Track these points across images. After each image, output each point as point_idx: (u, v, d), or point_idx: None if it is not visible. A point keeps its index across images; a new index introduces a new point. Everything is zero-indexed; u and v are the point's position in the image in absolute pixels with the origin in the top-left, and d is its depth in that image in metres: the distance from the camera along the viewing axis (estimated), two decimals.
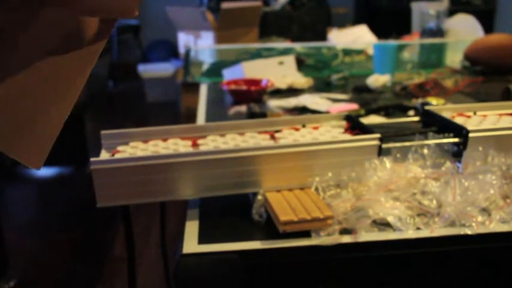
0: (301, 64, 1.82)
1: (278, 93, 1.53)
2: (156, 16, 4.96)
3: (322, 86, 1.61)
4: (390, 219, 0.72)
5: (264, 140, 0.86)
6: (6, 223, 2.09)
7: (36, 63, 0.48)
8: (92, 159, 0.73)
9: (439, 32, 2.26)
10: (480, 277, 0.76)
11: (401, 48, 2.09)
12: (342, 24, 3.15)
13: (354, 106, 1.33)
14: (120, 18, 0.47)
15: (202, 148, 0.83)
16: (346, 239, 0.69)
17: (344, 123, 0.94)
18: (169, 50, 5.01)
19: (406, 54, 2.13)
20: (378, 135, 0.81)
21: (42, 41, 0.48)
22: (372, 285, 0.75)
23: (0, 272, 1.87)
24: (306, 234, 0.70)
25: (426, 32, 2.30)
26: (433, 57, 2.04)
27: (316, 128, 0.92)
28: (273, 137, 0.88)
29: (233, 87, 1.47)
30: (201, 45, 2.35)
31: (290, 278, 0.73)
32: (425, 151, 0.83)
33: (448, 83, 1.52)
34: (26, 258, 2.10)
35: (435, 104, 1.28)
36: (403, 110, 1.28)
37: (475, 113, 0.99)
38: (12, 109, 0.48)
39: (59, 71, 0.49)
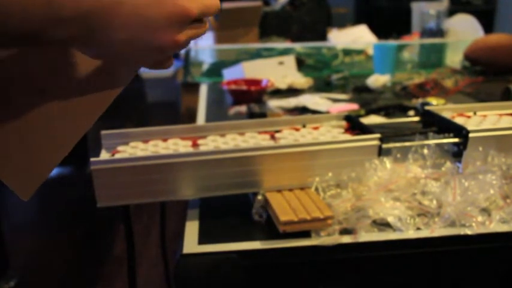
0: (301, 64, 1.82)
1: (278, 93, 1.53)
2: None
3: (322, 86, 1.61)
4: (390, 219, 0.72)
5: (264, 140, 0.86)
6: (6, 223, 2.09)
7: (50, 103, 0.49)
8: (92, 159, 0.73)
9: (439, 32, 2.26)
10: (480, 277, 0.76)
11: (401, 48, 2.09)
12: (342, 24, 3.14)
13: (354, 106, 1.33)
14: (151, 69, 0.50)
15: (203, 148, 0.83)
16: (346, 239, 0.69)
17: (344, 123, 0.94)
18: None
19: (406, 54, 2.13)
20: (378, 135, 0.81)
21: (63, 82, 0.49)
22: (372, 285, 0.75)
23: (0, 272, 1.86)
24: (306, 234, 0.70)
25: (426, 32, 2.29)
26: (433, 57, 2.04)
27: (316, 128, 0.92)
28: (273, 137, 0.88)
29: (233, 87, 1.47)
30: (201, 45, 2.35)
31: (290, 278, 0.73)
32: (426, 151, 0.83)
33: (448, 83, 1.52)
34: (26, 258, 2.10)
35: (435, 104, 1.28)
36: (403, 110, 1.28)
37: (475, 113, 0.99)
38: (15, 140, 0.48)
39: (66, 113, 0.50)
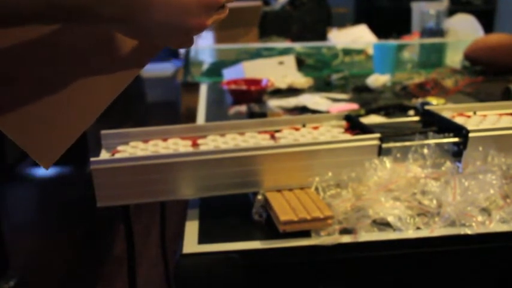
0: (301, 64, 1.82)
1: (278, 93, 1.53)
2: None
3: (322, 86, 1.61)
4: (390, 219, 0.72)
5: (264, 139, 0.86)
6: (6, 223, 2.09)
7: (77, 73, 0.50)
8: (92, 159, 0.73)
9: (439, 32, 2.26)
10: (480, 277, 0.76)
11: (401, 48, 2.09)
12: (342, 24, 3.14)
13: (354, 106, 1.33)
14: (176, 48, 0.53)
15: (202, 148, 0.83)
16: (346, 239, 0.69)
17: (344, 123, 0.94)
18: (169, 50, 5.01)
19: (406, 54, 2.13)
20: (378, 135, 0.81)
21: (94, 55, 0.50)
22: (371, 285, 0.75)
23: (0, 272, 1.86)
24: (306, 234, 0.70)
25: (426, 32, 2.29)
26: (433, 57, 2.04)
27: (316, 127, 0.92)
28: (273, 137, 0.88)
29: (233, 87, 1.47)
30: (201, 45, 2.35)
31: (290, 278, 0.72)
32: (425, 151, 0.83)
33: (448, 83, 1.52)
34: (26, 258, 2.10)
35: (435, 103, 1.28)
36: (403, 110, 1.28)
37: (475, 113, 0.99)
38: (37, 108, 0.49)
39: (93, 84, 0.51)
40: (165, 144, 0.84)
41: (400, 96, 1.45)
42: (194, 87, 1.82)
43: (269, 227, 0.72)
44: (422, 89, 1.46)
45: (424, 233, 0.70)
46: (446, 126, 0.89)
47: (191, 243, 0.70)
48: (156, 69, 4.45)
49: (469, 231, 0.70)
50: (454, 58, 1.97)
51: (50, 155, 0.52)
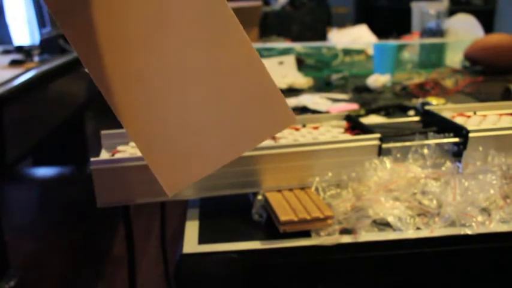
0: (301, 64, 1.82)
1: None
2: None
3: (322, 86, 1.61)
4: (390, 219, 0.72)
5: None
6: (6, 223, 2.08)
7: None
8: (92, 159, 0.73)
9: (439, 32, 2.26)
10: (480, 277, 0.76)
11: (401, 48, 2.09)
12: (342, 24, 3.14)
13: (354, 106, 1.33)
14: None
15: None
16: (346, 239, 0.69)
17: (344, 123, 0.94)
18: None
19: (406, 54, 2.13)
20: (378, 135, 0.81)
21: None
22: (371, 285, 0.75)
23: (0, 272, 1.86)
24: (306, 234, 0.70)
25: (426, 32, 2.29)
26: (433, 57, 2.04)
27: (316, 128, 0.92)
28: (273, 137, 0.88)
29: None
30: None
31: (290, 278, 0.72)
32: (426, 151, 0.83)
33: (448, 83, 1.52)
34: (26, 258, 2.10)
35: (435, 104, 1.28)
36: (403, 110, 1.28)
37: (475, 113, 0.99)
38: (181, 139, 0.46)
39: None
40: None
41: (400, 96, 1.45)
42: None
43: (269, 227, 0.72)
44: (422, 89, 1.46)
45: (424, 233, 0.70)
46: (446, 126, 0.89)
47: (191, 243, 0.70)
48: None
49: (469, 231, 0.70)
50: (454, 58, 1.97)
51: (178, 182, 0.48)
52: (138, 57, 0.43)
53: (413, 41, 2.29)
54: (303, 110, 1.33)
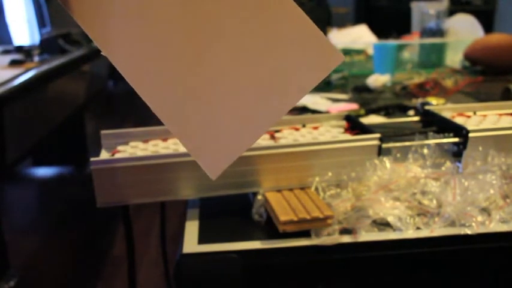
0: None
1: None
2: None
3: (322, 86, 1.61)
4: (390, 219, 0.72)
5: (263, 139, 0.86)
6: (6, 223, 2.08)
7: None
8: (92, 159, 0.73)
9: (439, 32, 2.26)
10: (480, 277, 0.76)
11: (401, 48, 2.09)
12: (342, 24, 3.14)
13: (354, 106, 1.33)
14: None
15: None
16: (346, 239, 0.69)
17: (344, 123, 0.94)
18: None
19: (406, 54, 2.13)
20: (377, 135, 0.81)
21: None
22: (371, 285, 0.75)
23: (0, 272, 1.86)
24: (306, 234, 0.70)
25: (426, 32, 2.29)
26: (433, 57, 2.04)
27: (316, 127, 0.92)
28: (273, 137, 0.88)
29: None
30: None
31: (290, 278, 0.72)
32: (425, 151, 0.83)
33: (448, 83, 1.52)
34: (26, 258, 2.10)
35: (435, 103, 1.28)
36: (403, 110, 1.28)
37: (475, 113, 0.99)
38: (217, 120, 0.45)
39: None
40: (165, 144, 0.84)
41: (400, 96, 1.45)
42: None
43: (269, 227, 0.72)
44: (422, 89, 1.46)
45: (424, 233, 0.70)
46: (446, 126, 0.89)
47: (191, 243, 0.70)
48: None
49: (469, 231, 0.70)
50: (454, 58, 1.97)
51: (219, 164, 0.48)
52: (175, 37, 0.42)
53: (413, 41, 2.29)
54: (302, 110, 1.33)
